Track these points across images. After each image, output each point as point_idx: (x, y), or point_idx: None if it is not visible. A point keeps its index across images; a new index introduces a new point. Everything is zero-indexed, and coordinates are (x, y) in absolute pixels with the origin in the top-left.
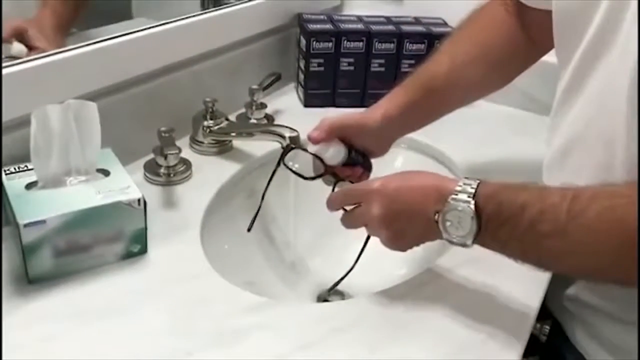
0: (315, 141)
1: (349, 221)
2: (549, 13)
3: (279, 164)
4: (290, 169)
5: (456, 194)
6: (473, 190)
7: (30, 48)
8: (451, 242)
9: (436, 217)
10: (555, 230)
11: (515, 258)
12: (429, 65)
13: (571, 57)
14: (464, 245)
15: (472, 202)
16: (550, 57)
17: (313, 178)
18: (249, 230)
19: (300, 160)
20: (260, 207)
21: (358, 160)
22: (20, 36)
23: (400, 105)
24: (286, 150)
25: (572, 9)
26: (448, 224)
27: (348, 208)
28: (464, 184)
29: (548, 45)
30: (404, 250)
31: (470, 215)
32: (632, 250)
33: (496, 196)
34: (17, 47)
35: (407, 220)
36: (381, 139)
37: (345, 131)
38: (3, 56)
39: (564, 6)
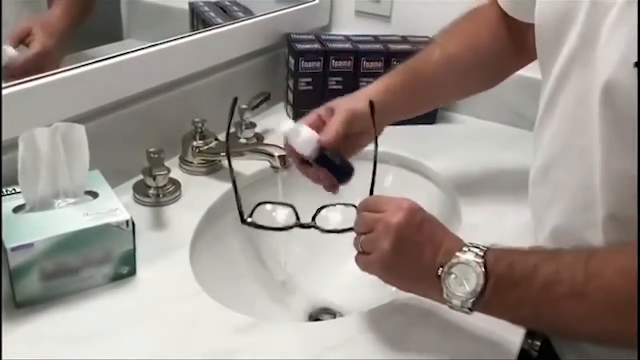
0: (329, 145)
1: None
2: (531, 25)
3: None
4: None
5: (465, 251)
6: (482, 252)
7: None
8: (451, 305)
9: (439, 271)
10: (572, 291)
11: (526, 324)
12: (421, 55)
13: (550, 73)
14: (463, 307)
15: (482, 260)
16: (538, 74)
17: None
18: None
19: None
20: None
21: (335, 161)
22: (24, 38)
23: (388, 87)
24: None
25: (550, 26)
26: (452, 277)
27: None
28: (472, 244)
29: (532, 56)
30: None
31: (477, 270)
32: None
33: (506, 257)
34: (9, 53)
35: (411, 268)
36: (370, 122)
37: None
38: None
39: (543, 23)
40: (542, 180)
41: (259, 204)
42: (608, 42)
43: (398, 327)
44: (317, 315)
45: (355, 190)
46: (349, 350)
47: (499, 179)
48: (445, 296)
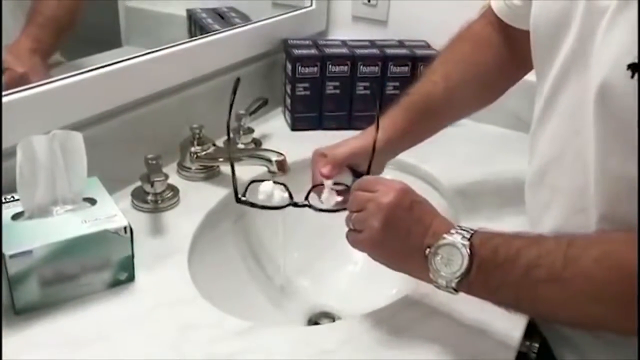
0: (329, 177)
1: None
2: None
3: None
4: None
5: (452, 233)
6: (469, 235)
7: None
8: (437, 284)
9: (427, 251)
10: (551, 276)
11: (506, 306)
12: (425, 86)
13: (547, 77)
14: (447, 286)
15: (468, 242)
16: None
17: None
18: (237, 200)
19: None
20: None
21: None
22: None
23: (403, 129)
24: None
25: (545, 29)
26: (438, 258)
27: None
28: (460, 227)
29: (531, 66)
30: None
31: (463, 252)
32: (633, 298)
33: (491, 240)
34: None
35: (399, 247)
36: (382, 161)
37: (353, 160)
38: None
39: (539, 27)
40: (538, 183)
41: (252, 182)
42: (602, 43)
43: (394, 331)
44: (316, 319)
45: None
46: (346, 353)
47: (497, 182)
48: (431, 275)
